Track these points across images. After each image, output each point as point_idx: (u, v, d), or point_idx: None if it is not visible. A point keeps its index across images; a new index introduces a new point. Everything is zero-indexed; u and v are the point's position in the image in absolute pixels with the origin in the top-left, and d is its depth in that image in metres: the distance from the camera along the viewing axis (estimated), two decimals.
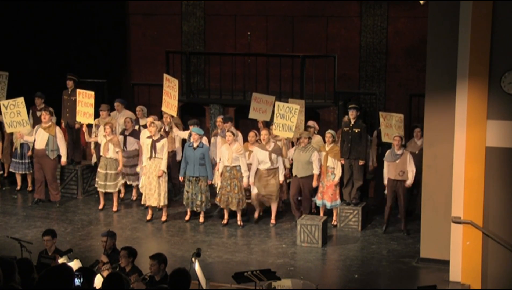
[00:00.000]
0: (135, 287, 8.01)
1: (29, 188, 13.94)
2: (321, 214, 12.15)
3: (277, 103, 12.28)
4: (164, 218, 12.39)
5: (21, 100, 12.86)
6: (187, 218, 12.36)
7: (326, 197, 12.10)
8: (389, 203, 11.87)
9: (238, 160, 11.95)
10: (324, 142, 12.29)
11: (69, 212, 12.93)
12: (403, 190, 11.70)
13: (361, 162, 12.20)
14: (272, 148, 11.99)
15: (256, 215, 12.38)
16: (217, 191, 12.22)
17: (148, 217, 12.43)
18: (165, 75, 13.06)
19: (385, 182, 11.90)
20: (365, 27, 14.78)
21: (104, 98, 14.51)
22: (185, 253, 10.77)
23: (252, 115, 13.12)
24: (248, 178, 12.00)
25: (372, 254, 11.17)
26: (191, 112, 14.38)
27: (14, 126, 12.94)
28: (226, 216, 12.23)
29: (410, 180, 11.66)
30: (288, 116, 12.01)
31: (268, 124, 12.86)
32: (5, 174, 14.18)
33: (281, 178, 12.06)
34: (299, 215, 12.00)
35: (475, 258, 9.91)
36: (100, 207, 12.94)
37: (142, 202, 12.49)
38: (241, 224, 12.18)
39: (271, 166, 11.97)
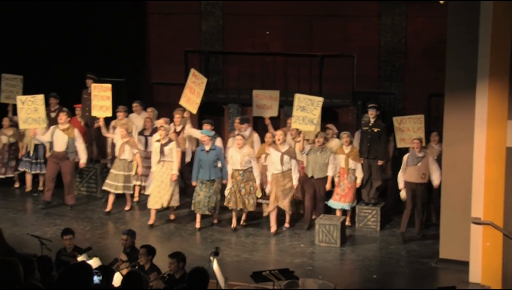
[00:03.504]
0: (154, 286, 8.04)
1: (41, 188, 13.91)
2: (348, 215, 12.10)
3: (297, 95, 11.95)
4: (172, 217, 12.35)
5: (40, 97, 12.65)
6: (198, 226, 12.01)
7: (348, 199, 12.02)
8: (409, 206, 11.60)
9: (250, 163, 11.86)
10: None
11: (88, 210, 13.00)
12: (422, 193, 11.58)
13: (380, 162, 12.15)
14: (285, 150, 11.81)
15: (273, 229, 11.95)
16: (225, 194, 11.95)
17: (151, 221, 12.14)
18: (192, 70, 12.85)
19: (400, 186, 11.68)
20: (384, 27, 14.73)
21: (123, 97, 14.57)
22: (203, 252, 10.78)
23: (256, 112, 13.09)
24: (261, 181, 11.92)
25: (391, 254, 11.12)
26: (210, 111, 14.40)
27: (29, 122, 12.68)
28: (234, 220, 12.01)
29: (437, 180, 11.39)
30: (309, 108, 11.70)
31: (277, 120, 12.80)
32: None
33: (295, 182, 11.85)
34: (310, 218, 11.99)
35: (495, 259, 9.82)
36: (107, 209, 12.67)
37: (148, 206, 12.21)
38: (244, 223, 12.12)
39: (282, 169, 11.77)
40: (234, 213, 11.98)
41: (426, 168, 11.46)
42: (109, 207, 12.73)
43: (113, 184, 12.56)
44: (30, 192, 13.88)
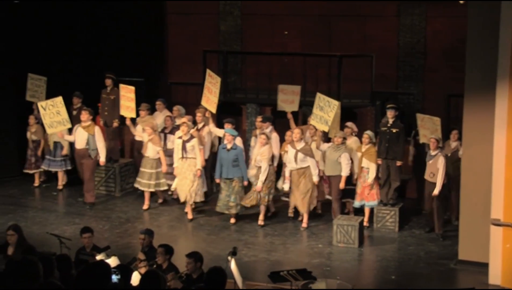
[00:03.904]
0: (172, 285, 8.07)
1: (59, 187, 14.07)
2: (366, 215, 12.11)
3: (318, 94, 12.11)
4: (190, 216, 12.43)
5: (59, 100, 12.80)
6: (232, 221, 12.31)
7: (365, 197, 12.03)
8: (428, 206, 11.72)
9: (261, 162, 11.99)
10: (361, 143, 12.21)
11: (107, 209, 13.07)
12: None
13: (398, 163, 12.11)
14: (300, 148, 11.90)
15: (290, 211, 12.42)
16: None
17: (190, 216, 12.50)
18: (208, 71, 13.06)
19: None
20: (403, 27, 14.65)
21: (141, 96, 14.64)
22: (221, 251, 10.79)
23: (280, 107, 13.21)
24: (263, 182, 11.96)
25: (409, 255, 11.07)
26: (228, 111, 14.41)
27: (54, 126, 12.85)
28: (261, 216, 12.21)
29: (437, 189, 11.36)
30: (326, 109, 11.85)
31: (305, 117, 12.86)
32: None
33: (315, 179, 11.93)
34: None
35: None
36: (145, 207, 12.97)
37: (181, 201, 12.53)
38: (262, 223, 12.15)
39: (297, 166, 11.88)
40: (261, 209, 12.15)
41: (435, 167, 11.46)
42: (146, 204, 12.97)
43: (145, 182, 12.80)
44: (61, 189, 14.05)
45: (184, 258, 8.51)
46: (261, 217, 12.20)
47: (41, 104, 12.93)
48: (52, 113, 12.79)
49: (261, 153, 11.99)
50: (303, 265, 9.87)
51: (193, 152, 12.20)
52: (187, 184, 12.23)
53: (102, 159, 12.98)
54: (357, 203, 12.13)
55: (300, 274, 8.40)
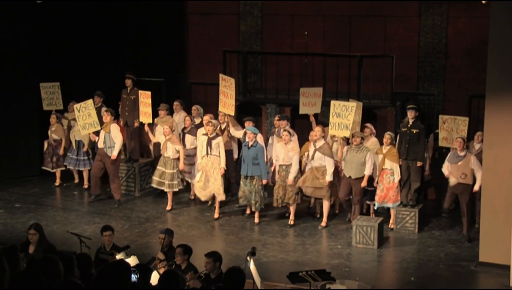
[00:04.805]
0: (191, 285, 8.08)
1: (85, 185, 14.20)
2: (392, 217, 12.04)
3: (332, 102, 12.15)
4: (216, 215, 12.47)
5: (90, 102, 13.13)
6: (248, 212, 12.45)
7: (387, 199, 11.95)
8: (447, 205, 11.69)
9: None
10: (381, 144, 12.15)
11: (126, 209, 13.13)
12: (465, 193, 11.45)
13: (418, 164, 12.03)
14: (319, 146, 11.89)
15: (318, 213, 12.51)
16: (274, 190, 12.20)
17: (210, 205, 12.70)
18: (221, 75, 13.15)
19: (446, 173, 11.62)
20: (424, 27, 14.56)
21: (162, 97, 14.70)
22: (240, 251, 10.81)
23: (302, 110, 13.19)
24: (294, 177, 12.00)
25: (429, 256, 11.01)
26: (248, 111, 14.42)
27: (86, 128, 13.16)
28: (291, 216, 12.25)
29: (477, 185, 11.23)
30: (344, 114, 11.86)
31: (323, 123, 12.83)
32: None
33: (328, 178, 11.81)
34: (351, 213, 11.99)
35: None
36: (168, 207, 13.00)
37: (191, 196, 12.65)
38: (292, 223, 12.16)
39: (313, 164, 11.88)
40: (290, 207, 12.22)
41: (467, 168, 11.33)
42: (169, 205, 13.00)
43: (156, 179, 12.83)
44: (87, 188, 14.13)
45: (203, 258, 8.52)
46: (291, 216, 12.22)
47: (76, 107, 13.23)
48: (85, 115, 13.13)
49: (291, 148, 12.00)
50: (322, 265, 9.86)
51: (218, 150, 12.27)
52: (212, 183, 12.30)
53: (114, 153, 12.94)
54: (378, 205, 12.06)
55: (319, 275, 8.38)
